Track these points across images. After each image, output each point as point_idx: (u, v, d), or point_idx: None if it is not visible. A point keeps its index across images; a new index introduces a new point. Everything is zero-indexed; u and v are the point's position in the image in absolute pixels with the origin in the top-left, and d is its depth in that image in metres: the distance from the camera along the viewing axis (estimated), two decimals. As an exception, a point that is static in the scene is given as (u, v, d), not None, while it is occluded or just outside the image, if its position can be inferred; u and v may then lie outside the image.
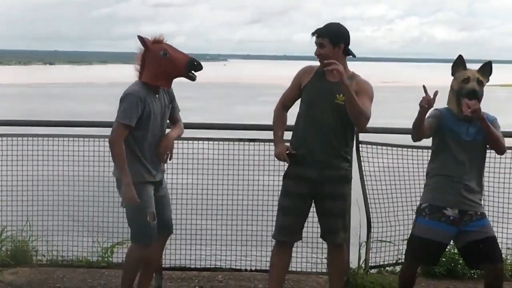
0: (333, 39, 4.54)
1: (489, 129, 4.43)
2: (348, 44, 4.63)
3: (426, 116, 4.46)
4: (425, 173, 4.87)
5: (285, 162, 4.59)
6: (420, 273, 5.60)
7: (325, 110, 4.49)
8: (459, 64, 4.60)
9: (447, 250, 5.67)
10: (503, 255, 5.14)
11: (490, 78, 4.58)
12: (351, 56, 4.63)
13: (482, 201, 4.69)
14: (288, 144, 4.62)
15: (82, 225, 5.75)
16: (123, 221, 5.31)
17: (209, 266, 5.71)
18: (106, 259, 5.80)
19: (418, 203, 4.99)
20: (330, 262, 4.85)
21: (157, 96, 4.48)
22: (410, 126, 4.64)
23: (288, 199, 4.61)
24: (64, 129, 5.78)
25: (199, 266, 5.68)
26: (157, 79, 4.41)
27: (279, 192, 4.82)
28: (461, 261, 5.74)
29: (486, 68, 4.58)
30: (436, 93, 4.27)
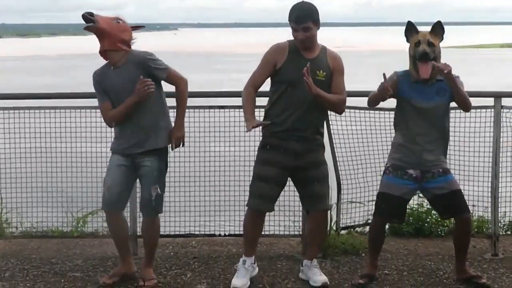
0: (316, 19, 4.61)
1: (457, 88, 4.58)
2: None
3: (387, 79, 4.64)
4: (389, 133, 5.11)
5: (260, 129, 4.68)
6: (389, 232, 5.79)
7: (306, 87, 4.51)
8: (410, 29, 4.75)
9: (414, 209, 5.87)
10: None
11: (445, 39, 4.72)
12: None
13: (448, 157, 4.92)
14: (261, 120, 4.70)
15: (55, 196, 5.80)
16: (97, 191, 5.41)
17: (182, 233, 5.81)
18: (79, 229, 5.89)
19: (384, 164, 5.18)
20: (317, 228, 4.95)
21: (115, 69, 4.56)
22: (372, 90, 4.82)
23: (269, 168, 4.67)
24: (32, 102, 5.79)
25: (173, 233, 5.78)
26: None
27: (249, 159, 4.92)
28: (428, 219, 5.95)
29: (437, 28, 4.72)
30: (384, 75, 4.55)
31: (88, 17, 4.40)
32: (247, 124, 4.62)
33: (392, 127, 5.09)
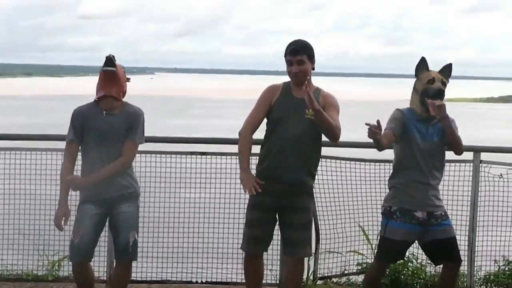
0: (311, 54, 4.66)
1: (451, 128, 4.58)
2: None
3: (389, 120, 4.65)
4: (369, 185, 5.10)
5: (251, 192, 4.60)
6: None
7: (296, 125, 4.54)
8: (422, 65, 4.75)
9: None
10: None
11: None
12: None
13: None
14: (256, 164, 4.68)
15: (29, 238, 5.72)
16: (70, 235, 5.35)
17: (159, 279, 5.74)
18: (53, 273, 5.78)
19: (363, 215, 5.22)
20: (290, 275, 4.87)
21: (107, 115, 4.56)
22: (352, 140, 4.85)
23: (255, 211, 4.65)
24: (5, 143, 5.76)
25: (149, 279, 5.72)
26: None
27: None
28: (404, 271, 5.96)
29: (447, 70, 4.76)
30: (377, 122, 4.39)
31: (113, 61, 4.45)
32: (242, 173, 4.66)
33: (372, 179, 5.16)
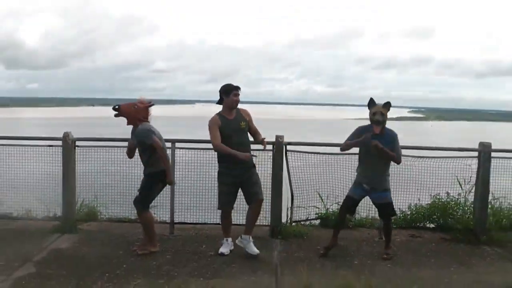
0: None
1: (386, 153, 7.32)
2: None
3: (352, 133, 7.51)
4: (320, 168, 8.48)
5: (246, 157, 7.43)
6: (319, 224, 9.27)
7: (238, 134, 7.55)
8: (371, 102, 7.40)
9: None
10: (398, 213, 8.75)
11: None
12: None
13: (390, 181, 7.76)
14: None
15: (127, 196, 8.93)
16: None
17: (200, 222, 9.21)
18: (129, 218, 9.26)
19: (318, 188, 8.66)
20: (252, 213, 7.74)
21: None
22: (314, 141, 8.19)
23: (226, 187, 7.65)
24: None
25: (194, 222, 9.20)
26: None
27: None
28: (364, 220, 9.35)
29: (387, 105, 7.40)
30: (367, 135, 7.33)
31: (115, 109, 7.51)
32: (244, 156, 7.40)
33: (327, 166, 8.46)
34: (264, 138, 7.95)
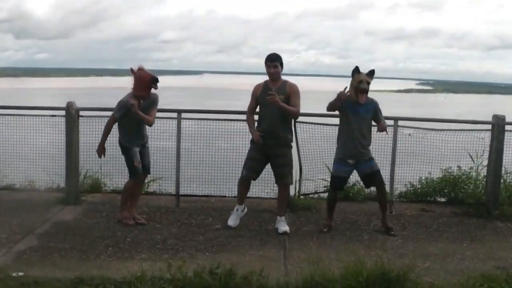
0: (281, 63, 7.44)
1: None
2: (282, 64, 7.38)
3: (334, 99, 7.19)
4: (332, 141, 8.24)
5: (257, 141, 7.34)
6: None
7: (273, 108, 7.21)
8: (356, 70, 7.23)
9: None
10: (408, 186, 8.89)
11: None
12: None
13: (372, 150, 7.60)
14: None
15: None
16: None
17: (206, 194, 9.08)
18: (145, 190, 8.94)
19: (328, 158, 8.44)
20: (280, 197, 7.62)
21: (141, 101, 7.41)
22: (319, 112, 7.97)
23: (255, 152, 7.42)
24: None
25: (200, 194, 9.06)
26: (137, 91, 7.41)
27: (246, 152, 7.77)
28: (351, 191, 9.19)
29: (371, 73, 7.27)
30: (345, 88, 7.02)
31: (156, 83, 7.41)
32: (255, 136, 7.38)
33: (330, 137, 8.18)
34: None
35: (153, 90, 7.52)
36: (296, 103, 7.39)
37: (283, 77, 7.57)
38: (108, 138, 7.75)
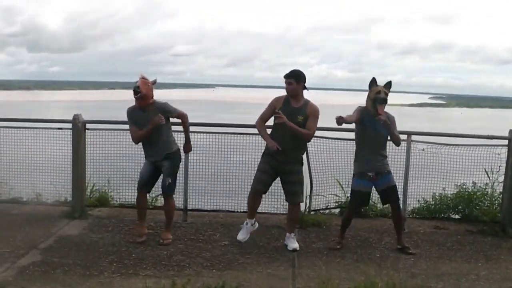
0: (298, 80, 7.05)
1: (390, 129, 6.97)
2: (305, 81, 7.04)
3: (354, 110, 6.98)
4: (343, 155, 8.14)
5: (273, 147, 6.95)
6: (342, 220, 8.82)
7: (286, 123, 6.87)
8: (373, 82, 7.04)
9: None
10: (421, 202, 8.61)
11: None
12: (306, 89, 7.11)
13: (390, 164, 7.37)
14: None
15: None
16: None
17: (214, 209, 8.93)
18: (153, 204, 8.90)
19: (339, 173, 8.31)
20: (290, 214, 7.36)
21: (144, 112, 7.20)
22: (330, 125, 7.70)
23: (265, 165, 7.12)
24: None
25: (208, 209, 8.91)
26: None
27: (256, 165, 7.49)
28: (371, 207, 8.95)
29: (388, 85, 7.07)
30: (337, 117, 6.63)
31: (136, 91, 7.10)
32: (268, 142, 7.05)
33: (346, 154, 8.04)
34: None
35: (155, 97, 7.41)
36: (311, 126, 7.13)
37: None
38: (116, 151, 7.58)
